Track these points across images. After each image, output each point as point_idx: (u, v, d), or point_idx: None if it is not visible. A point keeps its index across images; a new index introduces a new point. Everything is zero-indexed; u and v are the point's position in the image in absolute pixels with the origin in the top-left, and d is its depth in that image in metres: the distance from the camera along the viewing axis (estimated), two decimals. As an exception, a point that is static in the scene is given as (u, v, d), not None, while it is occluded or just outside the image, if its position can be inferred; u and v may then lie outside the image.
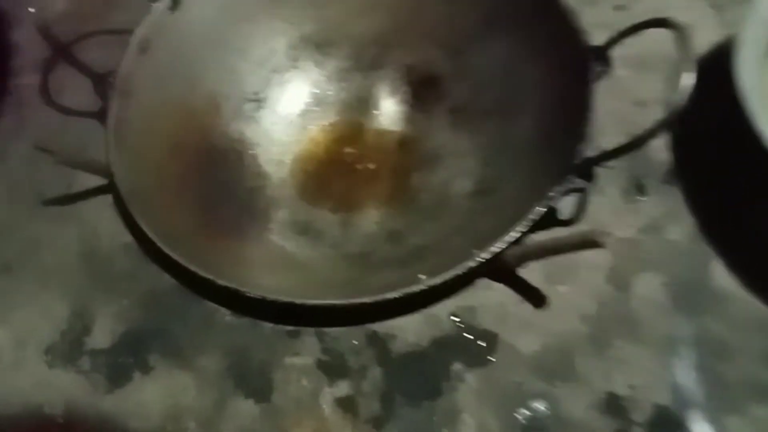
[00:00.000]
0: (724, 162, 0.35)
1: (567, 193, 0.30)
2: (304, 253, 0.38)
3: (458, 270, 0.30)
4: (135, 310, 0.33)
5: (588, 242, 0.26)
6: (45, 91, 0.39)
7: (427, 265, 0.35)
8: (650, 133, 0.28)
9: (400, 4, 0.42)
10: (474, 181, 0.38)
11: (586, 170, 0.30)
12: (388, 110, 0.43)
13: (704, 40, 0.38)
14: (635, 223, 0.34)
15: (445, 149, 0.40)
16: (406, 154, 0.41)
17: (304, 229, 0.39)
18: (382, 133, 0.42)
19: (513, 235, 0.29)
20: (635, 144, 0.28)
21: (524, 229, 0.29)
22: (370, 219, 0.39)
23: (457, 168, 0.39)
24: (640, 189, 0.35)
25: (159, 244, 0.31)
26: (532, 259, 0.30)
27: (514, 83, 0.39)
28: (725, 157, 0.35)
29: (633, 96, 0.37)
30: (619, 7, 0.40)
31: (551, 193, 0.30)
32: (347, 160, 0.41)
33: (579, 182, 0.30)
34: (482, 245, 0.33)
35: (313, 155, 0.42)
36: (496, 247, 0.29)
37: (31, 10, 0.32)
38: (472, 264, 0.29)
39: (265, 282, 0.33)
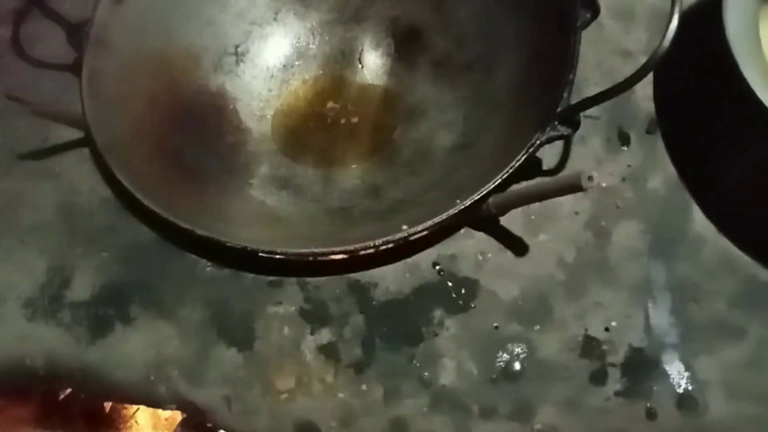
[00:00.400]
0: (706, 111, 0.35)
1: (549, 140, 0.30)
2: (284, 207, 0.37)
3: (441, 218, 0.30)
4: (115, 264, 0.33)
5: (572, 186, 0.26)
6: (17, 43, 0.37)
7: (407, 218, 0.35)
8: (633, 80, 0.27)
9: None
10: (455, 135, 0.38)
11: (569, 118, 0.29)
12: (371, 64, 0.42)
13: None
14: (617, 172, 0.34)
15: (428, 103, 0.40)
16: (389, 108, 0.41)
17: (284, 184, 0.39)
18: (364, 87, 0.42)
19: (496, 181, 0.29)
20: (617, 90, 0.27)
21: (506, 176, 0.29)
22: (351, 174, 0.39)
23: (439, 122, 0.39)
24: (622, 139, 0.35)
25: (137, 195, 0.31)
26: (515, 206, 0.30)
27: (496, 34, 0.38)
28: (708, 106, 0.35)
29: (617, 46, 0.37)
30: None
31: (534, 141, 0.30)
32: (329, 115, 0.41)
33: (562, 129, 0.30)
34: (461, 197, 0.34)
35: (295, 110, 0.41)
36: (478, 194, 0.29)
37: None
38: (454, 212, 0.29)
39: (245, 235, 0.33)
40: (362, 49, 0.42)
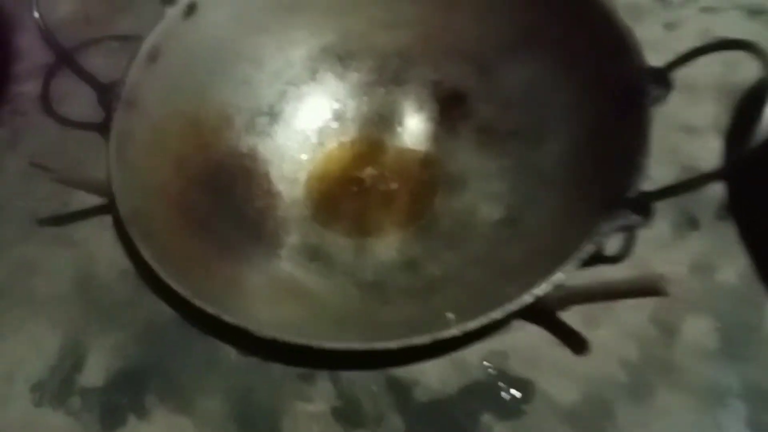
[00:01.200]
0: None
1: (619, 230, 0.27)
2: (314, 280, 0.35)
3: (496, 314, 0.27)
4: (132, 345, 0.30)
5: (648, 290, 0.23)
6: (45, 100, 0.36)
7: (447, 299, 0.32)
8: (729, 167, 0.24)
9: (428, 17, 0.39)
10: (500, 208, 0.35)
11: (641, 206, 0.26)
12: (412, 128, 0.40)
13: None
14: (684, 261, 0.31)
15: (471, 171, 0.37)
16: (429, 175, 0.38)
17: (315, 254, 0.36)
18: (404, 152, 0.39)
19: (560, 276, 0.26)
20: (705, 180, 0.24)
21: (572, 270, 0.26)
22: (386, 245, 0.36)
23: (482, 192, 0.36)
24: (690, 223, 0.32)
25: (160, 273, 0.28)
26: (578, 303, 0.27)
27: (546, 103, 0.36)
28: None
29: (681, 121, 0.34)
30: (669, 26, 0.37)
31: (600, 230, 0.27)
32: (365, 180, 0.39)
33: (633, 219, 0.27)
34: (507, 278, 0.30)
35: (329, 174, 0.39)
36: (540, 290, 0.26)
37: (36, 15, 0.29)
38: (512, 307, 0.26)
39: (273, 315, 0.31)
40: (402, 113, 0.40)
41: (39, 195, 0.34)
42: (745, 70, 0.30)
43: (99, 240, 0.32)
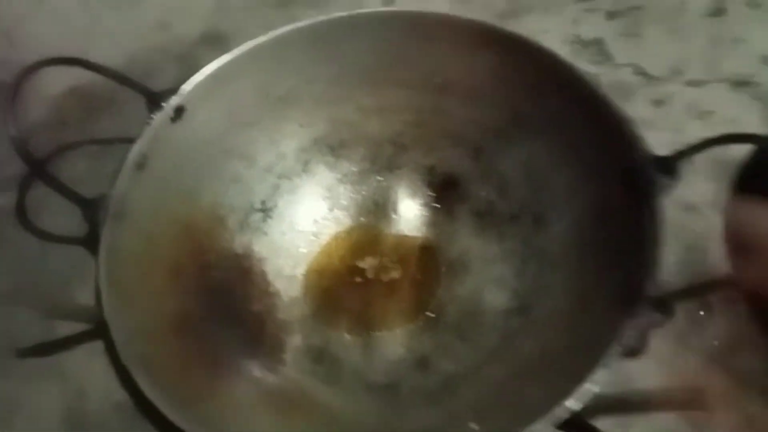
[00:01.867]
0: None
1: (644, 329, 0.26)
2: (322, 389, 0.33)
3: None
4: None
5: (686, 404, 0.22)
6: (21, 212, 0.34)
7: (466, 401, 0.31)
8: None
9: (418, 102, 0.39)
10: (507, 294, 0.35)
11: (664, 305, 0.26)
12: (408, 214, 0.39)
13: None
14: (703, 349, 0.30)
15: (472, 255, 0.37)
16: (430, 262, 0.37)
17: (320, 356, 0.34)
18: (401, 240, 0.39)
19: (590, 388, 0.25)
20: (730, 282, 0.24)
21: (603, 378, 0.25)
22: (394, 340, 0.35)
23: (486, 277, 0.36)
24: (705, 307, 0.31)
25: (162, 409, 0.26)
26: (611, 414, 0.26)
27: (545, 185, 0.36)
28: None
29: (680, 200, 0.34)
30: (657, 102, 0.38)
31: (624, 330, 0.26)
32: (364, 271, 0.38)
33: (655, 317, 0.26)
34: (527, 377, 0.30)
35: (328, 266, 0.38)
36: (574, 405, 0.25)
37: (12, 132, 0.27)
38: (541, 424, 0.25)
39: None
40: (397, 199, 0.40)
41: (20, 320, 0.31)
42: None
43: (89, 370, 0.30)
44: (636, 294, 0.27)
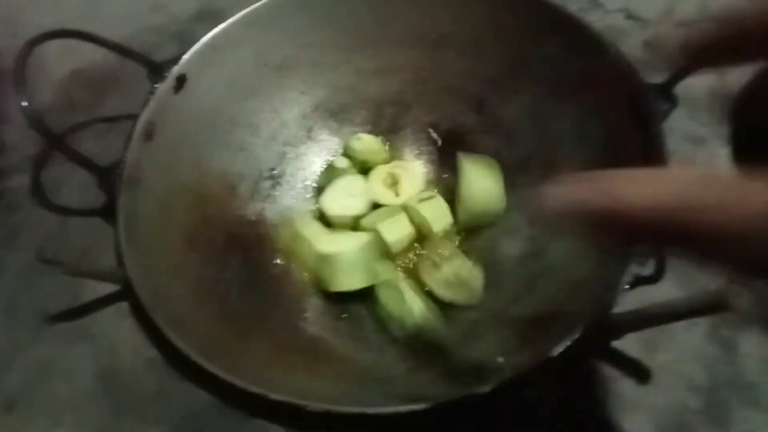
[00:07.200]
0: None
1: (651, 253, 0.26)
2: (345, 343, 0.33)
3: (546, 355, 0.26)
4: (169, 440, 0.28)
5: (710, 307, 0.22)
6: (38, 191, 0.34)
7: (490, 344, 0.31)
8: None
9: (415, 60, 0.39)
10: (522, 242, 0.35)
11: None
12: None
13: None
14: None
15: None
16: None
17: (339, 313, 0.35)
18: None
19: (605, 311, 0.25)
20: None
21: (616, 304, 0.25)
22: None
23: (500, 228, 0.36)
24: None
25: (193, 357, 0.27)
26: (636, 329, 0.26)
27: (552, 127, 0.36)
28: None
29: (686, 133, 0.35)
30: (648, 44, 0.39)
31: (638, 250, 0.27)
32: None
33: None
34: (550, 313, 0.30)
35: (339, 228, 0.38)
36: (587, 326, 0.25)
37: (24, 104, 0.28)
38: (560, 349, 0.25)
39: (315, 385, 0.29)
40: (402, 159, 0.40)
41: (46, 290, 0.32)
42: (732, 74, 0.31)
43: (118, 330, 0.30)
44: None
